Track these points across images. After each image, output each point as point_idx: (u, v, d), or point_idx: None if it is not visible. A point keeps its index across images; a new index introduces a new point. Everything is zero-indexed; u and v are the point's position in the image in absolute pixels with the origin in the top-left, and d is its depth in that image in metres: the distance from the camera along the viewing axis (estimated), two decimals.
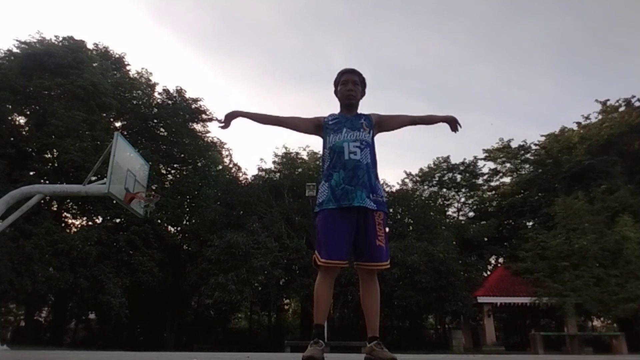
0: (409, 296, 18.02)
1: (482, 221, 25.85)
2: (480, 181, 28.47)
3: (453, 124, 2.84)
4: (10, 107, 19.47)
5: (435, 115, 2.89)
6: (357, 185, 2.47)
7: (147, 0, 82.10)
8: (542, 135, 27.68)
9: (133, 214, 11.74)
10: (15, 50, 20.12)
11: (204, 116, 24.66)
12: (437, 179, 28.19)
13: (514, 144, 27.54)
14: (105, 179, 9.11)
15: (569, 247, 19.14)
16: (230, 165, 27.60)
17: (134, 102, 24.02)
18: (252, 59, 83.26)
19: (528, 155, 27.48)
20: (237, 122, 2.78)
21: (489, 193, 28.64)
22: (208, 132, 25.43)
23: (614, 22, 69.92)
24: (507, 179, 28.39)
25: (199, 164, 24.84)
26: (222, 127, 2.77)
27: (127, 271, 18.64)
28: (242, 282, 17.69)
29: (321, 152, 2.80)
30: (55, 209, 20.63)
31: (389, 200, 23.53)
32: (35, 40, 20.57)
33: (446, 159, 27.84)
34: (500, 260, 25.77)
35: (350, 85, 2.73)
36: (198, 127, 24.93)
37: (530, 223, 24.64)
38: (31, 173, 19.06)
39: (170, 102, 23.95)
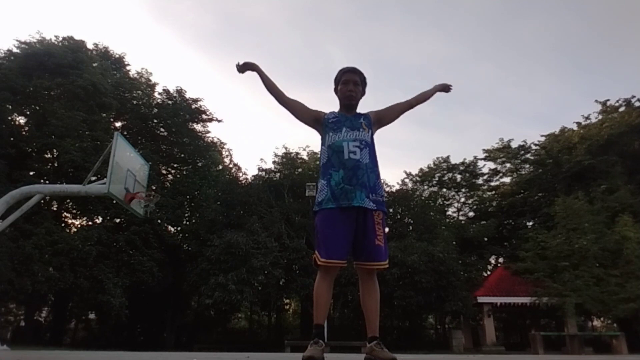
0: (409, 296, 18.00)
1: (482, 221, 25.81)
2: (480, 181, 28.47)
3: (446, 89, 3.02)
4: (10, 107, 19.47)
5: (428, 90, 2.98)
6: (356, 185, 2.47)
7: (148, 0, 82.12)
8: (542, 135, 27.72)
9: (133, 214, 11.73)
10: (15, 50, 20.14)
11: (204, 116, 24.68)
12: (437, 179, 28.17)
13: (514, 144, 27.57)
14: (105, 179, 9.09)
15: (569, 247, 19.14)
16: (230, 165, 27.64)
17: (134, 102, 24.03)
18: (252, 58, 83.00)
19: (528, 155, 27.47)
20: (248, 80, 2.83)
21: (489, 193, 28.63)
22: (208, 132, 25.54)
23: (615, 21, 69.93)
24: (507, 179, 28.42)
25: (199, 164, 24.83)
26: (238, 70, 2.82)
27: (127, 271, 18.62)
28: (242, 282, 17.68)
29: (320, 150, 2.79)
30: (55, 209, 20.62)
31: (389, 200, 23.51)
32: (35, 40, 20.58)
33: (446, 159, 27.85)
34: (500, 260, 25.76)
35: (351, 85, 2.72)
36: (198, 127, 24.96)
37: (530, 223, 24.63)
38: (31, 173, 19.06)
39: (170, 102, 23.94)
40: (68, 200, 20.36)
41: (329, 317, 16.35)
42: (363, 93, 2.81)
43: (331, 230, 2.45)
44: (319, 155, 2.72)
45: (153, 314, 23.01)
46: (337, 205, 2.46)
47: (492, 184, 28.59)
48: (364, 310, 2.54)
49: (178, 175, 24.91)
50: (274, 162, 24.27)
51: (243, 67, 2.82)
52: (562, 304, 18.17)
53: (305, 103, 2.82)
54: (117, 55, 24.23)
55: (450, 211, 28.56)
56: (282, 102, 2.82)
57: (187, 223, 23.45)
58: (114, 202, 10.85)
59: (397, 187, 26.87)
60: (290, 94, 2.83)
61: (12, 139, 19.15)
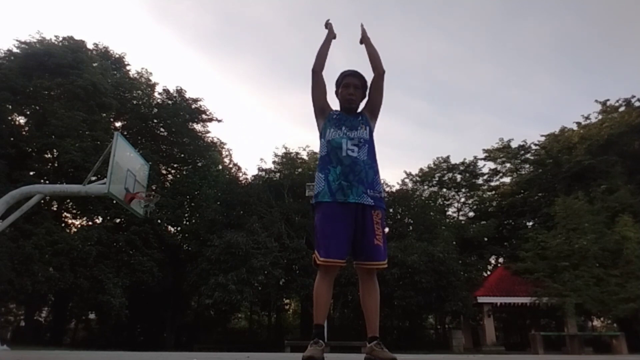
0: (409, 296, 18.00)
1: (482, 221, 25.79)
2: (480, 181, 28.45)
3: (363, 31, 3.01)
4: (10, 107, 19.46)
5: (367, 48, 2.92)
6: (353, 181, 2.51)
7: (148, 0, 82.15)
8: (542, 135, 27.69)
9: (133, 214, 11.73)
10: (15, 50, 20.13)
11: (204, 116, 24.67)
12: (437, 179, 28.16)
13: (514, 144, 27.55)
14: (105, 179, 9.10)
15: (569, 247, 19.13)
16: (230, 165, 27.63)
17: (134, 102, 24.02)
18: (253, 58, 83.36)
19: (528, 155, 27.45)
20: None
21: (489, 193, 28.61)
22: (208, 132, 25.54)
23: (615, 21, 69.95)
24: (507, 179, 28.40)
25: (199, 164, 24.82)
26: (325, 25, 2.99)
27: (127, 271, 18.62)
28: (242, 282, 17.68)
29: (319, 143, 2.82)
30: (55, 209, 20.61)
31: (389, 200, 23.51)
32: (35, 40, 20.56)
33: (446, 159, 27.83)
34: (500, 260, 25.75)
35: (351, 89, 2.76)
36: (198, 127, 24.96)
37: (530, 223, 24.61)
38: (31, 173, 19.05)
39: (170, 102, 23.94)
40: (68, 200, 20.36)
41: (329, 317, 16.35)
42: (364, 96, 2.84)
43: (330, 229, 2.46)
44: (318, 155, 2.71)
45: (153, 314, 23.00)
46: (333, 199, 2.49)
47: (492, 184, 28.61)
48: (364, 310, 2.55)
49: (178, 175, 24.90)
50: (274, 162, 24.30)
51: (329, 28, 2.97)
52: (562, 304, 18.16)
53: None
54: (117, 55, 24.22)
55: (450, 211, 28.56)
56: (315, 71, 2.83)
57: (187, 223, 23.44)
58: (114, 202, 10.86)
59: (397, 187, 26.88)
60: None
61: (12, 139, 19.14)
